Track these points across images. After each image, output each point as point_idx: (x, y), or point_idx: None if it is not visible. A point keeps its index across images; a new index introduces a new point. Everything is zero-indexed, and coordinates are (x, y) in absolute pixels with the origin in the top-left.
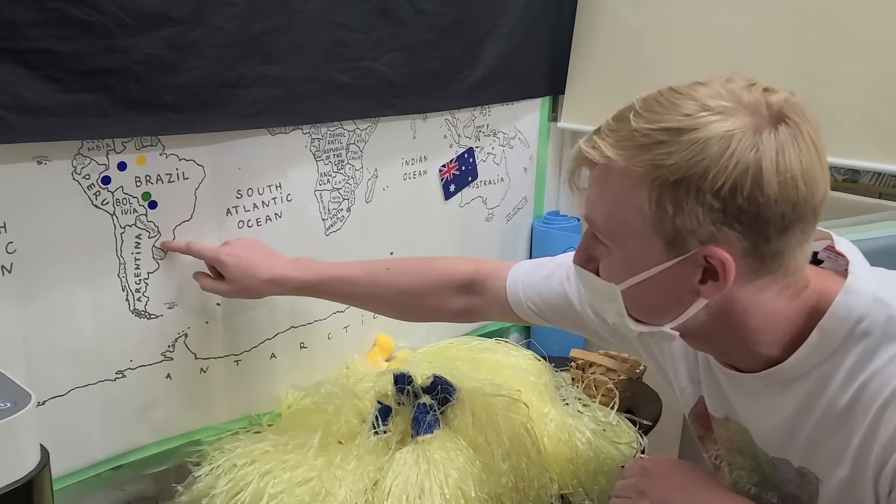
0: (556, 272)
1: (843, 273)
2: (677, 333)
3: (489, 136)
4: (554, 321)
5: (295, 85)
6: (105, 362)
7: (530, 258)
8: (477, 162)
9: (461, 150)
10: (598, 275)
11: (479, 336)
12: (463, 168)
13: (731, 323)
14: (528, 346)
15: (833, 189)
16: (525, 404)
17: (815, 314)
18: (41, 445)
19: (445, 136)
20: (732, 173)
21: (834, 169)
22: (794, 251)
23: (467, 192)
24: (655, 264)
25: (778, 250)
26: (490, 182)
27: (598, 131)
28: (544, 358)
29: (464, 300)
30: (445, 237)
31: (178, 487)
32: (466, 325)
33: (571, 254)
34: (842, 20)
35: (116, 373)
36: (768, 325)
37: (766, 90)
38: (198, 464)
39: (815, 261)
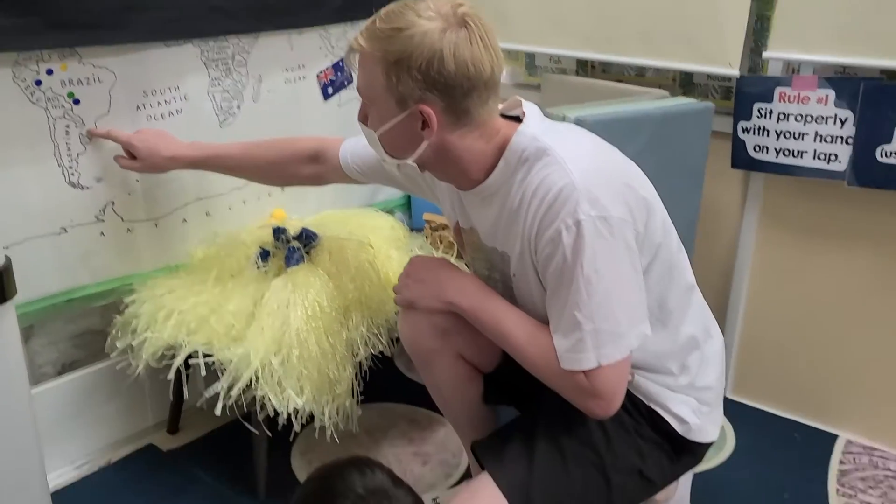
0: None
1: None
2: (416, 165)
3: None
4: (373, 179)
5: (185, 8)
6: (50, 221)
7: None
8: (352, 70)
9: (336, 60)
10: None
11: (375, 209)
12: (338, 74)
13: (450, 158)
14: (409, 218)
15: (628, 81)
16: (371, 246)
17: (502, 151)
18: (5, 255)
19: (320, 48)
20: (426, 56)
21: (626, 66)
22: (478, 109)
23: (345, 94)
24: (393, 117)
25: (465, 108)
26: None
27: (362, 29)
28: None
29: (312, 168)
30: (326, 132)
31: (115, 315)
32: (358, 199)
33: None
34: None
35: (60, 229)
36: (473, 159)
37: (459, 5)
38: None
39: (517, 119)
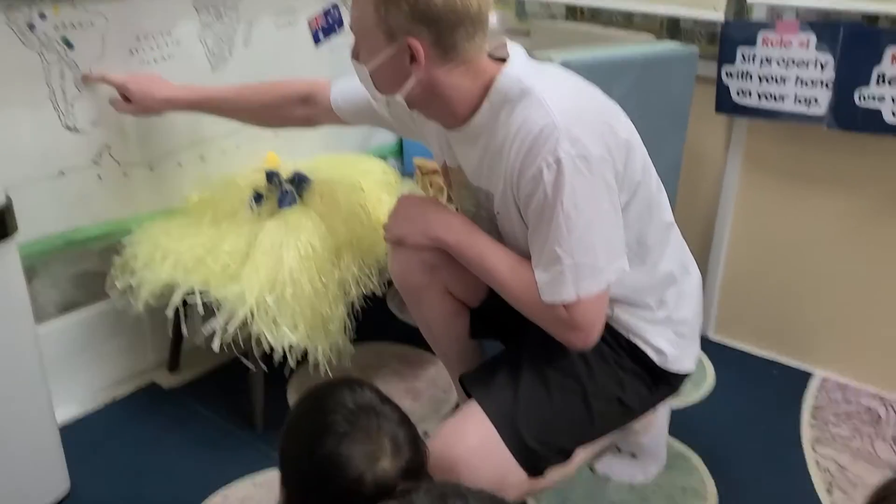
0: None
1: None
2: (405, 103)
3: None
4: (364, 120)
5: None
6: (48, 163)
7: None
8: (342, 15)
9: (326, 6)
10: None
11: (367, 155)
12: (329, 20)
13: (437, 95)
14: (401, 163)
15: (616, 27)
16: (362, 190)
17: (487, 90)
18: (5, 194)
19: None
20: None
21: (614, 12)
22: (465, 44)
23: (336, 40)
24: (382, 50)
25: (452, 43)
26: None
27: None
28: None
29: (304, 110)
30: (320, 75)
31: (115, 256)
32: (351, 144)
33: None
34: None
35: (58, 171)
36: (460, 97)
37: None
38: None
39: (503, 61)
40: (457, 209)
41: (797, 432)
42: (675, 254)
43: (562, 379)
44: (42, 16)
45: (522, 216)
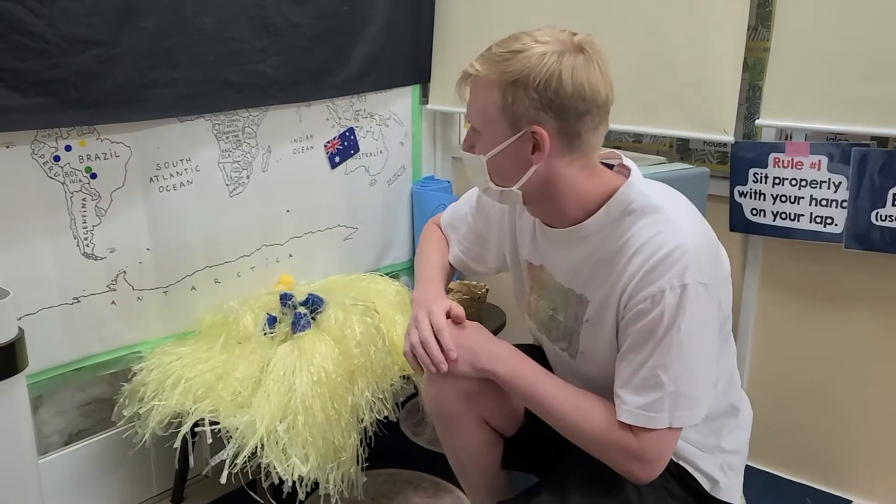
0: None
1: (627, 175)
2: (520, 193)
3: (367, 117)
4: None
5: (197, 85)
6: (64, 291)
7: (412, 216)
8: (357, 138)
9: (342, 130)
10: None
11: (380, 274)
12: (345, 143)
13: (553, 188)
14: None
15: (625, 147)
16: (376, 311)
17: (606, 195)
18: (18, 327)
19: (328, 119)
20: (544, 76)
21: (623, 133)
22: (588, 135)
23: (351, 163)
24: (504, 139)
25: (576, 131)
26: (371, 154)
27: (476, 59)
28: None
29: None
30: (335, 198)
31: (123, 384)
32: (364, 264)
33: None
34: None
35: (73, 298)
36: (574, 194)
37: (575, 34)
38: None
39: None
40: (528, 310)
41: None
42: (737, 384)
43: (607, 495)
44: (68, 148)
45: (618, 328)
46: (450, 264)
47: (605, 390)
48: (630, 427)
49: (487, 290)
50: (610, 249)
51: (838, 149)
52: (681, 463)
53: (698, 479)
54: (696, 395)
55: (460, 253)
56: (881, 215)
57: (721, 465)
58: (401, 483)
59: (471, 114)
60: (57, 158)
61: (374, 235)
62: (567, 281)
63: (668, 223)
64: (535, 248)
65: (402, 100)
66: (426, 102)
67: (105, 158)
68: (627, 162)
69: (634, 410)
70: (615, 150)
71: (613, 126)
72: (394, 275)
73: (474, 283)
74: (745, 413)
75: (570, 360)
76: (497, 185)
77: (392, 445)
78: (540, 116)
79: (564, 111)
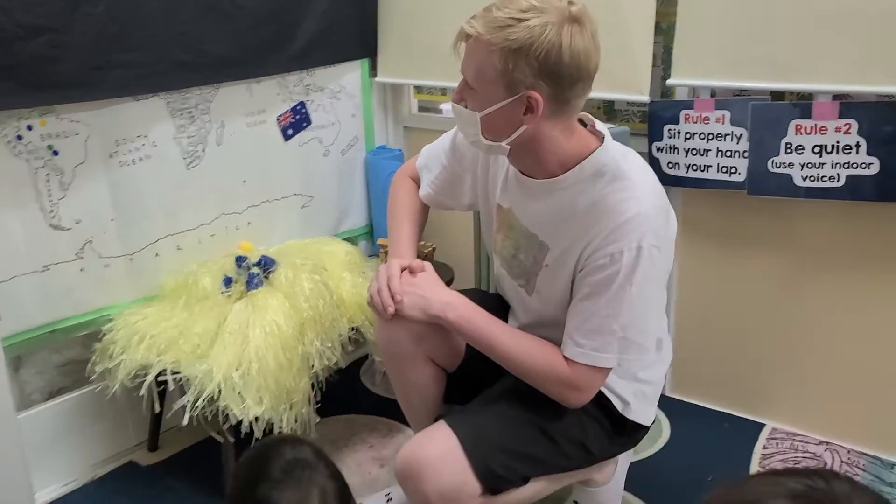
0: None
1: (600, 139)
2: (508, 148)
3: (317, 91)
4: (444, 199)
5: (149, 65)
6: (34, 259)
7: (366, 184)
8: (309, 112)
9: (294, 104)
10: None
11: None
12: (297, 117)
13: (536, 146)
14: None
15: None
16: (325, 269)
17: (581, 155)
18: None
19: (278, 94)
20: (545, 47)
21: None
22: (576, 101)
23: (304, 135)
24: (500, 101)
25: (567, 98)
26: (323, 126)
27: (474, 17)
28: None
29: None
30: (290, 169)
31: (95, 344)
32: (322, 229)
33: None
34: None
35: (43, 267)
36: (554, 152)
37: (570, 3)
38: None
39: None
40: (493, 246)
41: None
42: (664, 325)
43: (529, 415)
44: (29, 128)
45: (574, 278)
46: (422, 205)
47: (552, 326)
48: (573, 363)
49: (434, 248)
50: (578, 206)
51: (738, 104)
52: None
53: (612, 399)
54: (644, 342)
55: (432, 191)
56: (776, 163)
57: (634, 392)
58: (357, 427)
59: (467, 71)
60: (20, 138)
61: (330, 203)
62: (533, 227)
63: (633, 190)
64: (507, 192)
65: (351, 73)
66: (375, 75)
67: (66, 137)
68: (600, 127)
69: (586, 352)
70: (588, 114)
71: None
72: (352, 240)
73: (421, 242)
74: (667, 351)
75: (526, 297)
76: (487, 139)
77: (351, 395)
78: (536, 83)
79: (560, 79)
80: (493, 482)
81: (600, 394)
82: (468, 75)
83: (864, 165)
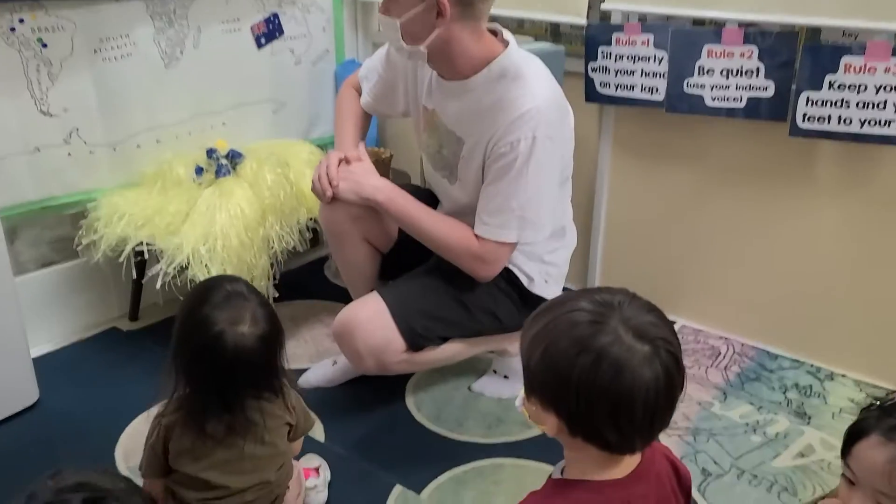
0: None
1: (506, 45)
2: (426, 52)
3: (290, 4)
4: (381, 107)
5: None
6: (27, 141)
7: (335, 96)
8: (282, 22)
9: (268, 14)
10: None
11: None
12: (270, 27)
13: (449, 50)
14: None
15: (512, 31)
16: (287, 164)
17: (488, 59)
18: None
19: (253, 4)
20: None
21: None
22: (481, 5)
23: (277, 45)
24: (414, 7)
25: (471, 2)
26: (294, 37)
27: None
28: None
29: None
30: (263, 75)
31: (81, 222)
32: (293, 133)
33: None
34: None
35: (34, 148)
36: (465, 55)
37: None
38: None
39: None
40: (421, 145)
41: None
42: (569, 215)
43: (447, 286)
44: (21, 20)
45: (484, 166)
46: (364, 112)
47: (471, 213)
48: (481, 239)
49: (392, 155)
50: (486, 103)
51: (661, 28)
52: (507, 265)
53: (519, 276)
54: (540, 220)
55: (371, 99)
56: (690, 84)
57: (540, 272)
58: (316, 309)
59: None
60: (13, 29)
61: (301, 110)
62: (451, 124)
63: (529, 88)
64: (431, 95)
65: None
66: None
67: (53, 31)
68: (507, 36)
69: (491, 228)
70: (499, 25)
71: (499, 12)
72: (322, 147)
73: (380, 148)
74: (570, 238)
75: (449, 186)
76: (408, 44)
77: (315, 285)
78: None
79: None
80: (414, 340)
81: (509, 271)
82: None
83: (762, 88)
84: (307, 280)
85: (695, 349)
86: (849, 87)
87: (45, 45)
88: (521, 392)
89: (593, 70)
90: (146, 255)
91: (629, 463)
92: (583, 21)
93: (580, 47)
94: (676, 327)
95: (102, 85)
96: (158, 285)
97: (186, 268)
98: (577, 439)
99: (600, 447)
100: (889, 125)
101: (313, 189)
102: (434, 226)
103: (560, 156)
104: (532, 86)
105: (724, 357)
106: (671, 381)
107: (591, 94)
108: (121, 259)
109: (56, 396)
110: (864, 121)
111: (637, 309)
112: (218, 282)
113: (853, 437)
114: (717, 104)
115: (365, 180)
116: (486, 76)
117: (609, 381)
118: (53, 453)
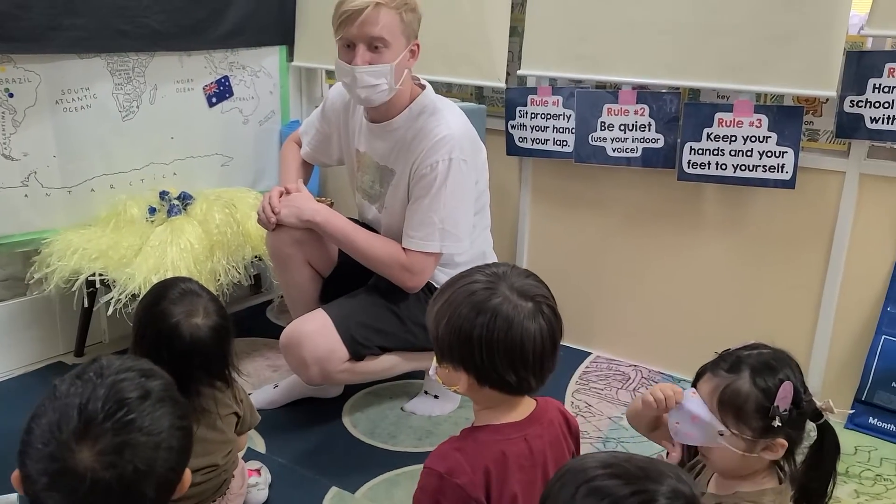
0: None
1: (423, 88)
2: (398, 87)
3: (240, 69)
4: (320, 157)
5: (93, 31)
6: None
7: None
8: (232, 85)
9: (219, 77)
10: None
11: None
12: (221, 88)
13: (399, 91)
14: None
15: (442, 94)
16: (234, 205)
17: (412, 98)
18: None
19: (206, 67)
20: (417, 2)
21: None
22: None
23: (227, 104)
24: (402, 50)
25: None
26: (243, 99)
27: None
28: None
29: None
30: (213, 132)
31: (34, 259)
32: (238, 183)
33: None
34: None
35: None
36: (401, 93)
37: None
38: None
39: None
40: (355, 184)
41: (564, 389)
42: (489, 243)
43: (384, 301)
44: None
45: (409, 189)
46: (304, 161)
47: (397, 232)
48: (408, 251)
49: (332, 203)
50: (409, 137)
51: (568, 91)
52: (433, 283)
53: None
54: (459, 233)
55: (310, 150)
56: (594, 137)
57: None
58: (259, 345)
59: (378, 33)
60: None
61: (247, 165)
62: (381, 160)
63: (445, 119)
64: (361, 139)
65: (271, 57)
66: (292, 60)
67: (20, 82)
68: (424, 81)
69: (416, 240)
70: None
71: (431, 77)
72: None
73: (322, 197)
74: (491, 260)
75: (379, 214)
76: (395, 84)
77: (258, 326)
78: (417, 32)
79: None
80: (356, 349)
81: (435, 288)
82: (380, 34)
83: (654, 140)
84: (250, 322)
85: (607, 375)
86: (722, 137)
87: (11, 95)
88: (434, 362)
89: (512, 127)
90: (98, 286)
91: (525, 408)
92: (503, 85)
93: (501, 108)
94: (591, 358)
95: (62, 133)
96: (109, 312)
97: (137, 296)
98: (485, 388)
99: (505, 391)
100: (755, 169)
101: (259, 220)
102: (367, 242)
103: (475, 180)
104: (447, 118)
105: (632, 381)
106: (552, 328)
107: (512, 148)
108: (73, 288)
109: None
110: (736, 166)
111: (518, 275)
112: (173, 281)
113: (696, 377)
114: (617, 154)
115: (304, 205)
116: (408, 115)
117: (504, 334)
118: None
